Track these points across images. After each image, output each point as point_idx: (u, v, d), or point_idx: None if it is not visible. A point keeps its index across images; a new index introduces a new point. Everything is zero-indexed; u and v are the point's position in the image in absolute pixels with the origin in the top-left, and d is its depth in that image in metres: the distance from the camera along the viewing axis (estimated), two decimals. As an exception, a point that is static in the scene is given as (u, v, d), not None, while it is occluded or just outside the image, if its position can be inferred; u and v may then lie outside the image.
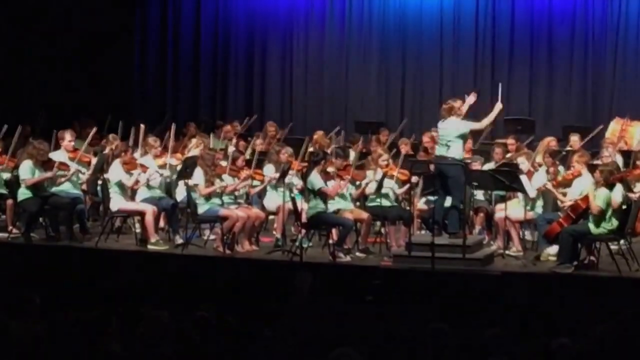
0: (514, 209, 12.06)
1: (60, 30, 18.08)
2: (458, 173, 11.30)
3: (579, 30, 17.55)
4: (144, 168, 12.42)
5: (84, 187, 13.16)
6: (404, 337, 6.72)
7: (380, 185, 12.22)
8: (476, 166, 12.63)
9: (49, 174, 12.33)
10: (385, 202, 12.29)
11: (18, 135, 13.48)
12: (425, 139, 13.94)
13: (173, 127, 13.53)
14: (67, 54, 18.14)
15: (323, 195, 11.76)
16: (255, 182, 12.71)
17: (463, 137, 11.37)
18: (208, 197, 12.01)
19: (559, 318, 8.72)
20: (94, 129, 13.87)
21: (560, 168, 12.80)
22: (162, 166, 12.68)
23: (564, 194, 11.73)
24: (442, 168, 11.37)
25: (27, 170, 12.28)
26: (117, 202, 12.28)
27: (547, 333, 6.51)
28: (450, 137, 11.30)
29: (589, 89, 17.58)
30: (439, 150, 11.44)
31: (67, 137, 12.97)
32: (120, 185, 12.27)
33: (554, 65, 17.69)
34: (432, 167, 11.82)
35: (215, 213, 11.96)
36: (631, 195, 11.53)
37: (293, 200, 11.95)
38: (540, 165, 12.56)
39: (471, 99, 11.56)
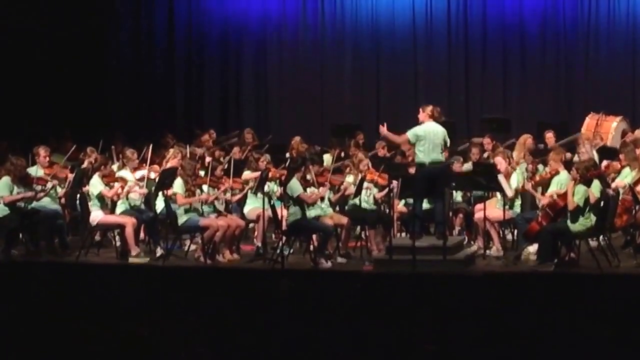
0: (493, 208, 12.09)
1: (31, 42, 17.86)
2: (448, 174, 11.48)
3: (550, 28, 17.67)
4: (123, 181, 12.38)
5: (63, 201, 13.09)
6: (387, 344, 6.74)
7: (359, 189, 12.23)
8: (458, 166, 12.66)
9: (28, 194, 12.26)
10: (365, 206, 12.31)
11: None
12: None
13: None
14: (38, 68, 17.94)
15: (302, 202, 11.76)
16: (235, 191, 12.70)
17: None
18: (187, 208, 12.00)
19: (541, 316, 8.74)
20: (74, 147, 13.85)
21: (540, 166, 12.83)
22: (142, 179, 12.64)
23: (544, 193, 11.78)
24: (442, 172, 11.41)
25: (5, 187, 12.21)
26: (97, 216, 12.24)
27: (529, 334, 6.55)
28: (441, 139, 11.34)
29: (562, 85, 17.68)
30: (433, 155, 11.26)
31: (42, 153, 12.85)
32: (100, 198, 12.23)
33: (526, 63, 17.79)
34: (411, 170, 11.84)
35: (196, 223, 11.94)
36: (608, 190, 11.58)
37: (273, 207, 11.94)
38: (517, 164, 12.57)
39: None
